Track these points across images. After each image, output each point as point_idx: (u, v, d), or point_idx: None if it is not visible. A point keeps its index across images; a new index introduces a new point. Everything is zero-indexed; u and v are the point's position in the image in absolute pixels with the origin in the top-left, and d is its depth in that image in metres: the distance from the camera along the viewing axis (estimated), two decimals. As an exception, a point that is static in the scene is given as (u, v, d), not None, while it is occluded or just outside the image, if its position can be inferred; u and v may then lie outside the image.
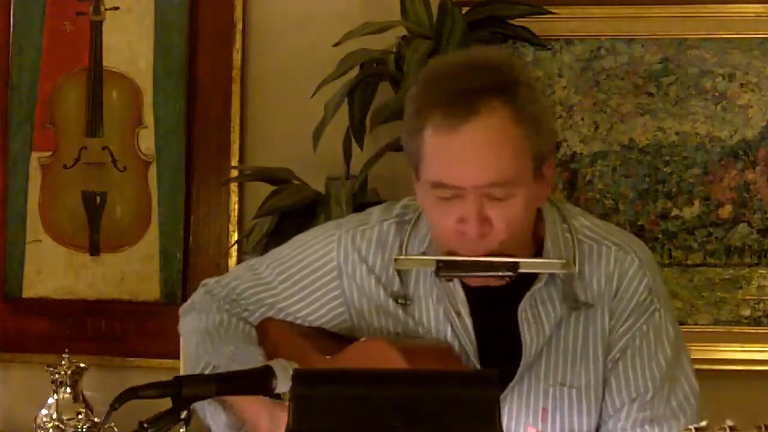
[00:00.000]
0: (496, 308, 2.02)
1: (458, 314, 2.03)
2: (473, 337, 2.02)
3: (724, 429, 1.62)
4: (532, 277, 2.00)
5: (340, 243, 2.12)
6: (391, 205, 2.14)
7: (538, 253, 2.01)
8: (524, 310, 2.00)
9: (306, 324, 2.16)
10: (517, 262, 1.92)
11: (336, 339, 2.13)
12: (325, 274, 2.13)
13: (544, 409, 1.94)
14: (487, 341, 2.03)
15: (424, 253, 2.04)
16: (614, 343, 2.01)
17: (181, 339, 2.22)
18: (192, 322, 2.17)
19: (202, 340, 2.13)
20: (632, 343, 2.01)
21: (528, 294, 2.00)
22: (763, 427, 1.61)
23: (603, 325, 2.01)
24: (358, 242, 2.11)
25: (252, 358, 2.07)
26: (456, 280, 2.01)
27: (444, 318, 2.05)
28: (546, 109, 1.98)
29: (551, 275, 2.00)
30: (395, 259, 2.05)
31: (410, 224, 2.08)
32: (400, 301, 2.07)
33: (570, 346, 2.02)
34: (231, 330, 2.14)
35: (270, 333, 2.17)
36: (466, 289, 2.02)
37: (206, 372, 2.07)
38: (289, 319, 2.16)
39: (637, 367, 2.01)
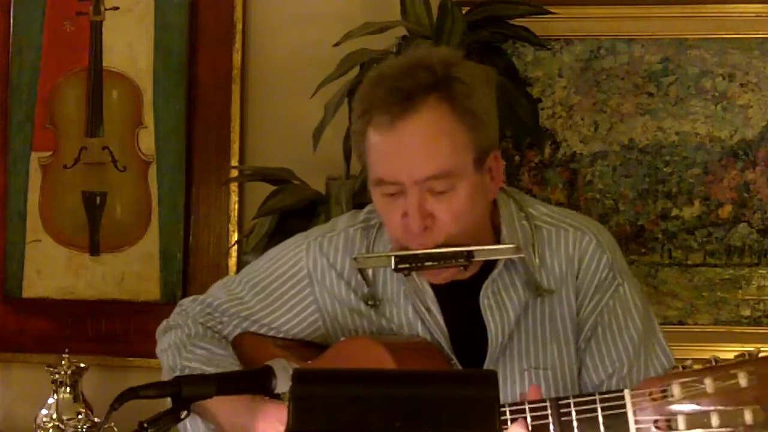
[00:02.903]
0: (463, 300, 2.07)
1: (428, 310, 2.07)
2: (445, 330, 2.07)
3: (710, 361, 1.66)
4: (493, 267, 2.05)
5: (308, 251, 2.16)
6: (357, 212, 2.20)
7: (498, 243, 2.06)
8: (486, 297, 2.05)
9: (281, 335, 2.19)
10: (471, 251, 1.97)
11: (312, 347, 2.16)
12: (297, 283, 2.17)
13: (522, 394, 1.95)
14: (458, 333, 2.08)
15: None
16: (583, 323, 2.07)
17: (160, 359, 2.21)
18: (167, 340, 2.19)
19: (177, 350, 2.16)
20: (601, 320, 2.06)
21: (487, 281, 2.05)
22: (746, 355, 1.64)
23: (570, 306, 2.07)
24: (326, 249, 2.15)
25: (226, 363, 2.10)
26: (423, 279, 2.05)
27: (414, 315, 2.09)
28: (487, 105, 2.01)
29: (510, 262, 2.05)
30: (354, 259, 2.10)
31: (375, 228, 2.14)
32: (370, 302, 2.12)
33: (539, 330, 2.07)
34: (206, 339, 2.17)
35: (245, 346, 2.18)
36: (434, 284, 2.06)
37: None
38: (263, 331, 2.19)
39: (609, 343, 2.06)
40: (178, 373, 2.11)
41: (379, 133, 1.95)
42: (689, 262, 3.19)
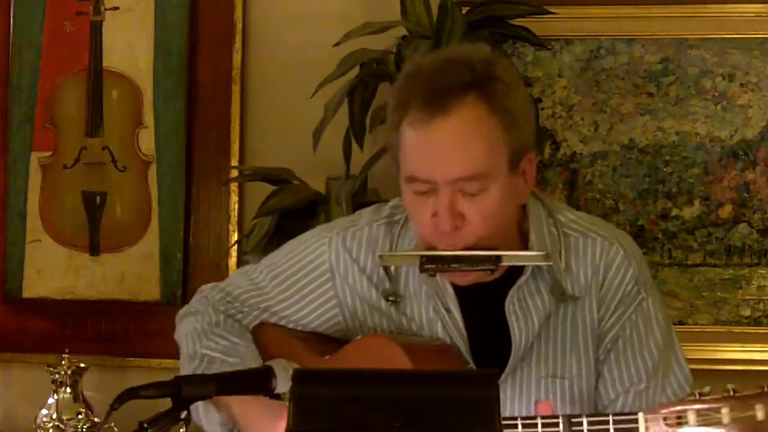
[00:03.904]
0: (485, 303, 2.04)
1: (448, 310, 2.05)
2: (464, 332, 2.05)
3: (728, 391, 1.64)
4: (519, 272, 2.02)
5: (331, 245, 2.14)
6: (381, 206, 2.17)
7: (525, 248, 2.03)
8: (511, 303, 2.02)
9: (300, 328, 2.17)
10: (499, 255, 1.94)
11: (331, 342, 2.15)
12: (318, 277, 2.15)
13: (536, 402, 1.95)
14: (478, 336, 2.05)
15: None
16: (604, 334, 2.04)
17: (179, 344, 2.21)
18: (188, 326, 2.19)
19: (198, 337, 2.15)
20: (623, 334, 2.03)
21: (514, 287, 2.02)
22: (765, 387, 1.63)
23: (592, 316, 2.04)
24: (349, 243, 2.13)
25: (247, 353, 2.10)
26: (445, 279, 2.03)
27: (434, 314, 2.07)
28: (525, 106, 1.99)
29: (536, 268, 2.02)
30: (380, 256, 2.07)
31: (399, 224, 2.11)
32: (390, 298, 2.09)
33: (560, 338, 2.04)
34: (227, 327, 2.15)
35: (264, 337, 2.17)
36: (455, 285, 2.04)
37: (202, 366, 2.10)
38: (282, 323, 2.18)
39: (629, 357, 2.03)
40: (197, 361, 2.11)
41: (414, 130, 1.92)
42: (689, 262, 3.19)
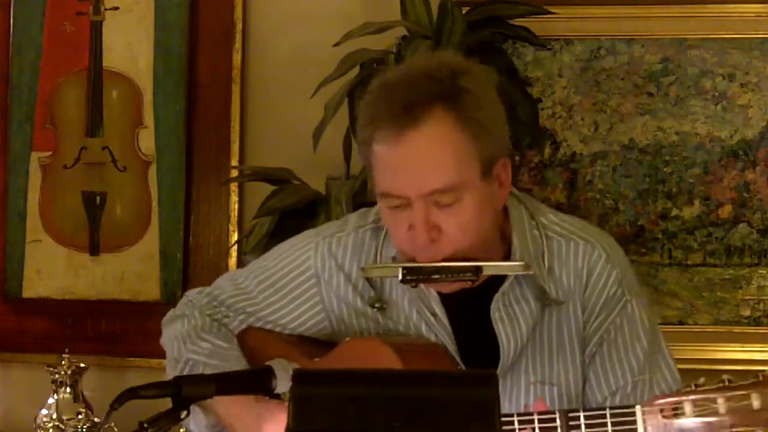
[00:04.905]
0: (471, 309, 2.04)
1: (434, 315, 2.05)
2: (452, 334, 2.04)
3: (723, 381, 1.65)
4: (503, 278, 2.02)
5: (317, 250, 2.14)
6: (367, 211, 2.16)
7: (508, 251, 2.03)
8: (497, 310, 2.02)
9: (287, 331, 2.17)
10: (479, 266, 1.95)
11: (318, 344, 2.15)
12: (304, 282, 2.14)
13: (526, 406, 1.95)
14: (466, 341, 2.05)
15: (394, 258, 2.05)
16: (589, 339, 2.03)
17: (165, 348, 2.20)
18: (173, 330, 2.18)
19: (183, 341, 2.14)
20: (607, 337, 2.03)
21: (497, 294, 2.02)
22: (760, 376, 1.64)
23: (577, 320, 2.03)
24: (335, 249, 2.13)
25: (230, 356, 2.09)
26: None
27: (419, 319, 2.06)
28: (497, 112, 1.98)
29: (519, 274, 2.01)
30: (361, 268, 2.07)
31: (385, 230, 2.10)
32: (376, 305, 2.09)
33: (546, 344, 2.04)
34: (213, 330, 2.15)
35: (251, 340, 2.17)
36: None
37: (185, 370, 2.10)
38: (269, 327, 2.17)
39: (614, 360, 2.02)
40: (181, 365, 2.11)
41: (383, 146, 1.92)
42: (689, 262, 3.19)
